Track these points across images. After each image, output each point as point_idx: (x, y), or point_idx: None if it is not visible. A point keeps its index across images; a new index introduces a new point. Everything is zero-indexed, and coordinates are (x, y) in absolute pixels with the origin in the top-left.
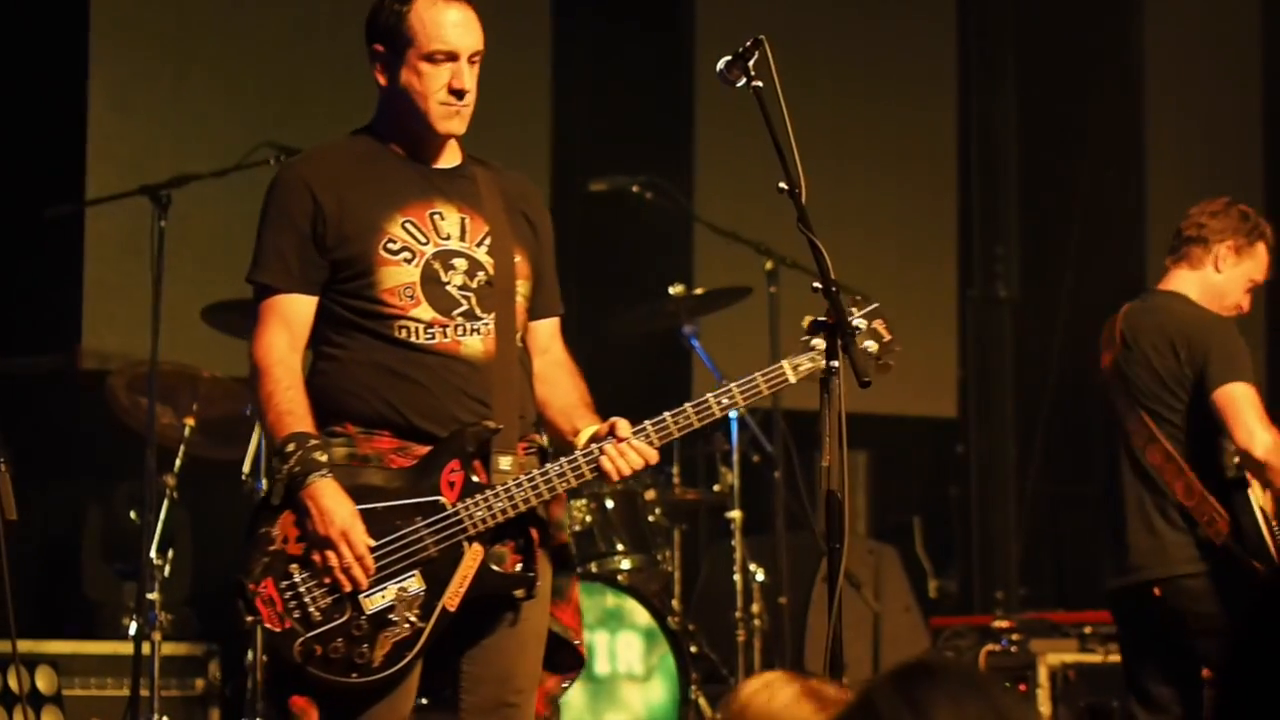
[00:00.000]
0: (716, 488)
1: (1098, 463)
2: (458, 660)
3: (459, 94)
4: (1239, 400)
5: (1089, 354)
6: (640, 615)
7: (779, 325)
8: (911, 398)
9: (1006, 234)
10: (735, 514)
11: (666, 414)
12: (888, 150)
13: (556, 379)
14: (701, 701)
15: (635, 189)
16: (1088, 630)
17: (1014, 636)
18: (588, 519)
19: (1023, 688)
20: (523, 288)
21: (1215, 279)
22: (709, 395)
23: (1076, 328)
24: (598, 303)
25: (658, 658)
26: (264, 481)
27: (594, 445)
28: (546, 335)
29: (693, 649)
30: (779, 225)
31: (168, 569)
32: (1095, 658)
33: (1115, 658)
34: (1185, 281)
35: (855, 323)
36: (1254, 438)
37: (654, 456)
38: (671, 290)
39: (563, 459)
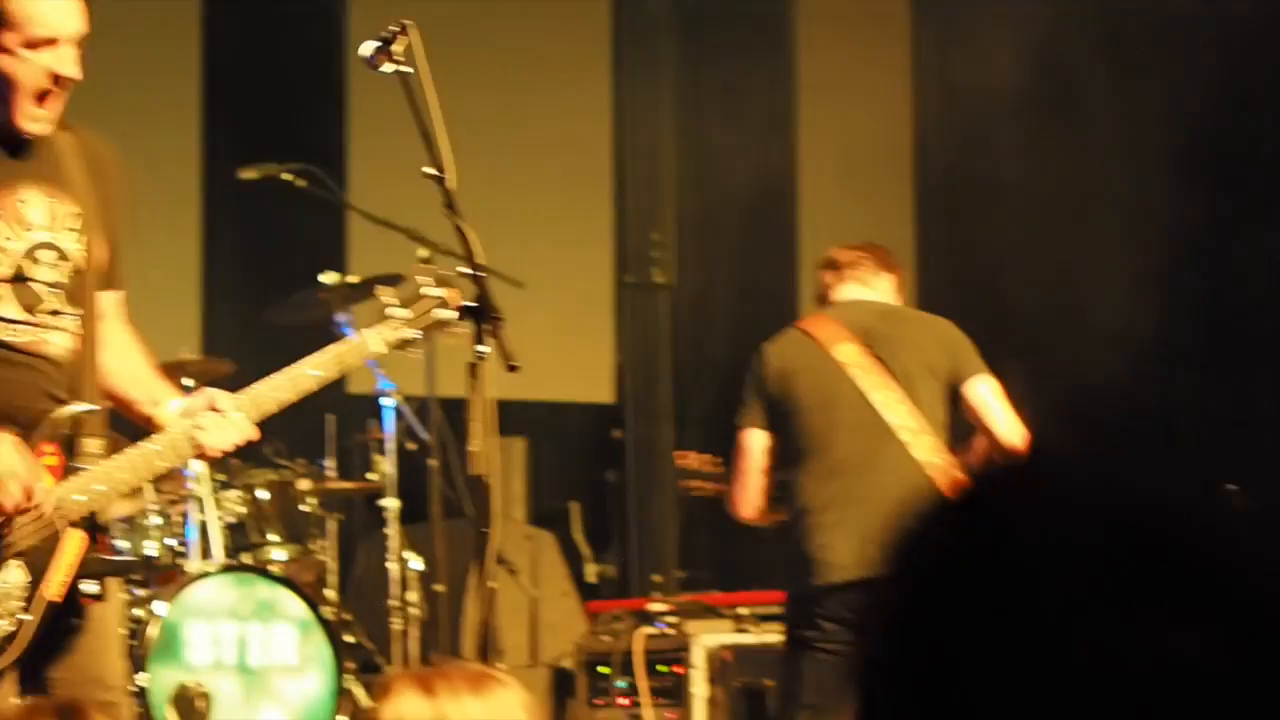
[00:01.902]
0: (372, 476)
1: None
2: (45, 669)
3: (62, 80)
4: None
5: (746, 339)
6: (294, 606)
7: None
8: (569, 384)
9: (663, 221)
10: (391, 502)
11: (260, 385)
12: (543, 137)
13: (123, 346)
14: (357, 691)
15: (287, 176)
16: (743, 612)
17: (670, 619)
18: (241, 510)
19: (679, 670)
20: (103, 270)
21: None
22: (301, 364)
23: (734, 313)
24: (250, 292)
25: (312, 648)
26: None
27: (190, 421)
28: (111, 305)
29: (348, 639)
30: (433, 212)
31: None
32: (750, 639)
33: (770, 639)
34: (863, 295)
35: (426, 290)
36: None
37: (254, 432)
38: (323, 278)
39: (156, 435)
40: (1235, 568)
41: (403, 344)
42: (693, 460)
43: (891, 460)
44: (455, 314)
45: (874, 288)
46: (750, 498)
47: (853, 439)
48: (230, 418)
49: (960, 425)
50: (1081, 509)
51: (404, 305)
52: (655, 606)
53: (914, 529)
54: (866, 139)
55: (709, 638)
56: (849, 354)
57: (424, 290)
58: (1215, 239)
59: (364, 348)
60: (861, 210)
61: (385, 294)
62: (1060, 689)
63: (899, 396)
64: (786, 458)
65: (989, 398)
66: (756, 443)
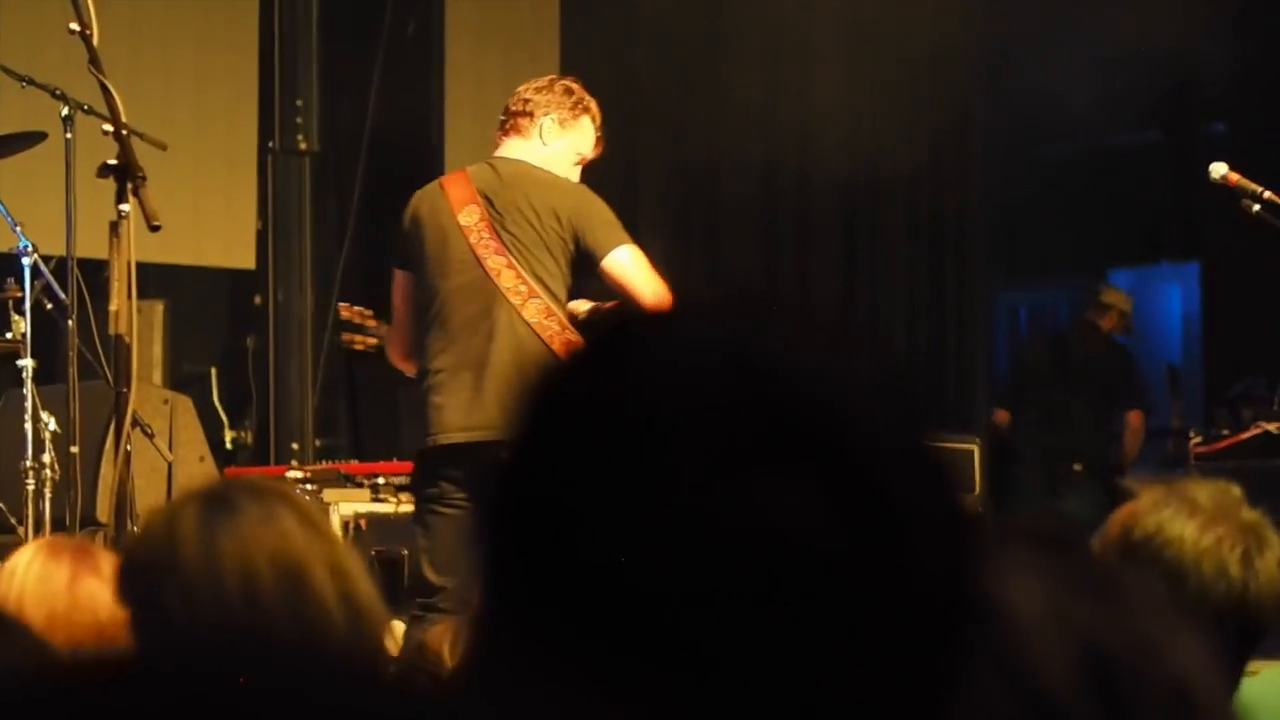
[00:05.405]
0: (9, 336)
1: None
2: None
3: None
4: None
5: (385, 209)
6: None
7: (75, 171)
8: (210, 248)
9: (306, 87)
10: (28, 362)
11: None
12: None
13: None
14: None
15: None
16: (380, 481)
17: (307, 486)
18: None
19: None
20: None
21: (543, 151)
22: None
23: (373, 182)
24: None
25: None
26: None
27: None
28: None
29: None
30: (75, 69)
31: None
32: (387, 508)
33: (406, 508)
34: (518, 150)
35: None
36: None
37: None
38: None
39: None
40: (855, 438)
41: None
42: (350, 313)
43: (501, 323)
44: None
45: (529, 138)
46: (396, 342)
47: (463, 300)
48: None
49: None
50: (699, 366)
51: None
52: (292, 474)
53: (532, 390)
54: (511, 11)
55: (345, 506)
56: (470, 217)
57: None
58: None
59: None
60: (504, 63)
61: None
62: (669, 548)
63: (507, 261)
64: (417, 309)
65: (627, 267)
66: (400, 283)
